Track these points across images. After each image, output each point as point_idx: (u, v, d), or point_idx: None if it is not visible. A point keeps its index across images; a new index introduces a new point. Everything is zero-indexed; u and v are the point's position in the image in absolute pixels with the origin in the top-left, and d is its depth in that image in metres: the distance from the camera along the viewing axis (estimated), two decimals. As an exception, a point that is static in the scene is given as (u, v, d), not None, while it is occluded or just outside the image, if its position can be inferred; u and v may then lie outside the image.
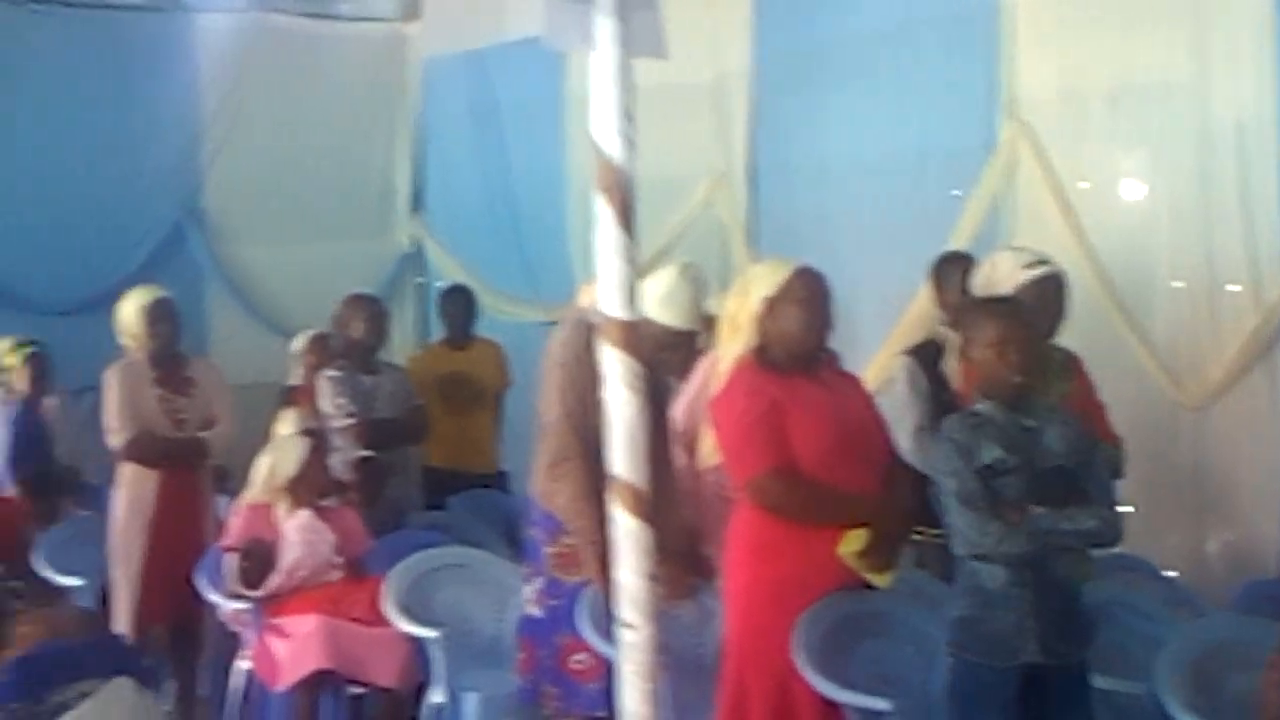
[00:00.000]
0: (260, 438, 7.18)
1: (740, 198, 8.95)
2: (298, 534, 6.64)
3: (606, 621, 4.71)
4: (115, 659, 3.63)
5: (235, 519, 6.80)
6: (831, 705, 4.97)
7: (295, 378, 9.51)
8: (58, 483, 8.80)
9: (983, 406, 4.76)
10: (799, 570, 5.00)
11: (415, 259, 11.73)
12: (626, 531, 3.99)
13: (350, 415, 7.60)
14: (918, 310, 7.12)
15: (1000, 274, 5.83)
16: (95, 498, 8.51)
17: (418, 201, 11.77)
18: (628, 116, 3.91)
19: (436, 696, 6.34)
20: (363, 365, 7.83)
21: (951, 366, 5.52)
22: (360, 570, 6.78)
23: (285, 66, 11.26)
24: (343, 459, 7.39)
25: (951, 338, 5.80)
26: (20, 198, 10.34)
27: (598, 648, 5.42)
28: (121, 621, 7.28)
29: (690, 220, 9.10)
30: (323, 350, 9.20)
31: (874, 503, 5.05)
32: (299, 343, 9.58)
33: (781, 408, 5.02)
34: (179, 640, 7.59)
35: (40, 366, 8.97)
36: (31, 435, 8.78)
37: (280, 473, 6.76)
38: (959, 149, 7.67)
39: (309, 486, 6.78)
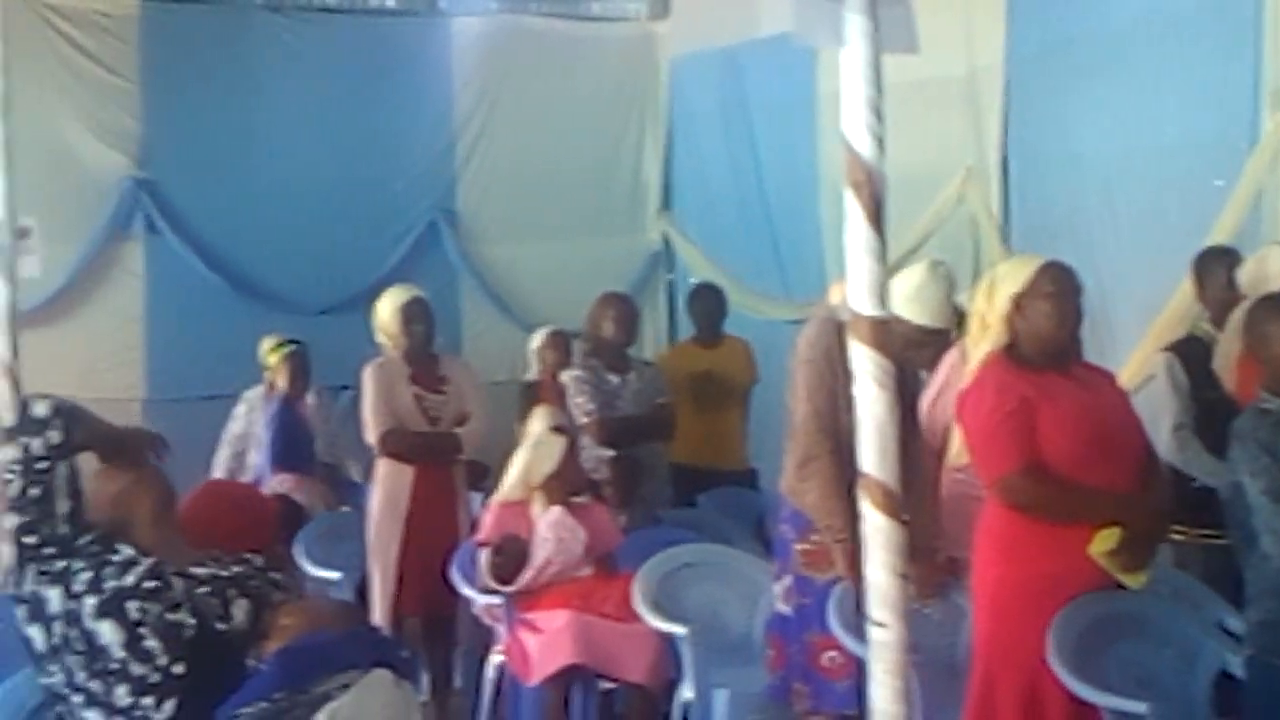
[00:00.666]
0: (511, 434, 7.27)
1: (993, 193, 8.82)
2: (550, 531, 6.71)
3: (857, 619, 4.69)
4: (374, 651, 3.69)
5: (490, 514, 6.89)
6: (1082, 706, 4.89)
7: (534, 374, 9.66)
8: (317, 478, 9.00)
9: (1274, 404, 4.65)
10: (1050, 569, 4.92)
11: (665, 257, 11.77)
12: (876, 529, 3.96)
13: (588, 414, 7.67)
14: (1178, 306, 6.97)
15: (1273, 269, 5.69)
16: (353, 493, 8.70)
17: (667, 199, 11.81)
18: (878, 113, 3.88)
19: (686, 693, 6.36)
20: (612, 363, 7.89)
21: (1221, 364, 5.39)
22: (611, 566, 6.83)
23: (536, 67, 11.37)
24: (587, 456, 7.45)
25: (1215, 334, 5.67)
26: (282, 200, 10.61)
27: (848, 645, 5.40)
28: (378, 614, 7.42)
29: (943, 216, 8.99)
30: (560, 347, 9.36)
31: (1127, 500, 4.95)
32: (536, 340, 9.74)
33: (1031, 405, 4.94)
34: (433, 633, 7.70)
35: (299, 365, 9.17)
36: (291, 432, 8.98)
37: (538, 470, 6.83)
38: (1220, 141, 7.46)
39: (564, 484, 6.84)
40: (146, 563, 3.73)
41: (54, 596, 3.71)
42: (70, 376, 9.84)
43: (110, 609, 3.67)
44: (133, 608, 3.67)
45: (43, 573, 3.73)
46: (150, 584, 3.70)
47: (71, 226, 9.93)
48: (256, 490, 5.79)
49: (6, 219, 7.13)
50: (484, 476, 8.28)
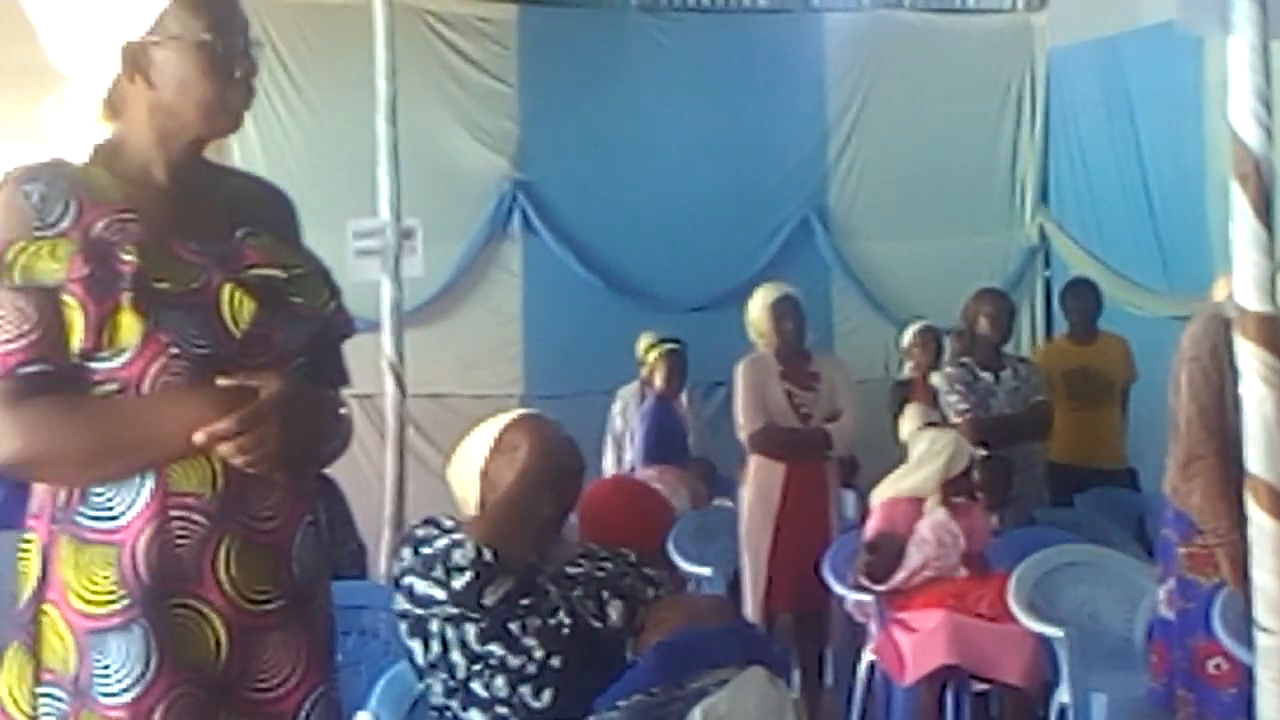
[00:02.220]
0: (882, 431, 7.21)
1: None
2: (932, 533, 6.63)
3: (1244, 625, 4.53)
4: (749, 647, 3.70)
5: (878, 510, 6.85)
6: None
7: (907, 372, 9.61)
8: (689, 474, 9.10)
9: None
10: None
11: (1041, 252, 11.55)
12: (1264, 532, 3.85)
13: (961, 412, 7.58)
14: None
15: None
16: (726, 489, 8.76)
17: (1044, 193, 11.59)
18: (1266, 103, 3.76)
19: (1063, 696, 6.23)
20: (986, 361, 7.79)
21: None
22: (984, 566, 6.74)
23: (909, 61, 11.29)
24: (963, 456, 7.37)
25: None
26: (655, 199, 10.74)
27: (1235, 653, 5.22)
28: (750, 610, 7.45)
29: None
30: (931, 344, 9.29)
31: None
32: (907, 336, 9.68)
33: None
34: (804, 630, 7.70)
35: (676, 363, 9.32)
36: (665, 428, 9.11)
37: (951, 468, 6.75)
38: None
39: (957, 485, 6.76)
40: (519, 572, 3.76)
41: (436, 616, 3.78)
42: (450, 373, 10.17)
43: (494, 631, 3.73)
44: (514, 627, 3.74)
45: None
46: (527, 600, 3.76)
47: (452, 227, 10.19)
48: (656, 492, 5.87)
49: (392, 220, 7.36)
50: (855, 472, 8.25)
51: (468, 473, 4.06)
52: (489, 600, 3.71)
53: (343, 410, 2.89)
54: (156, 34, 2.72)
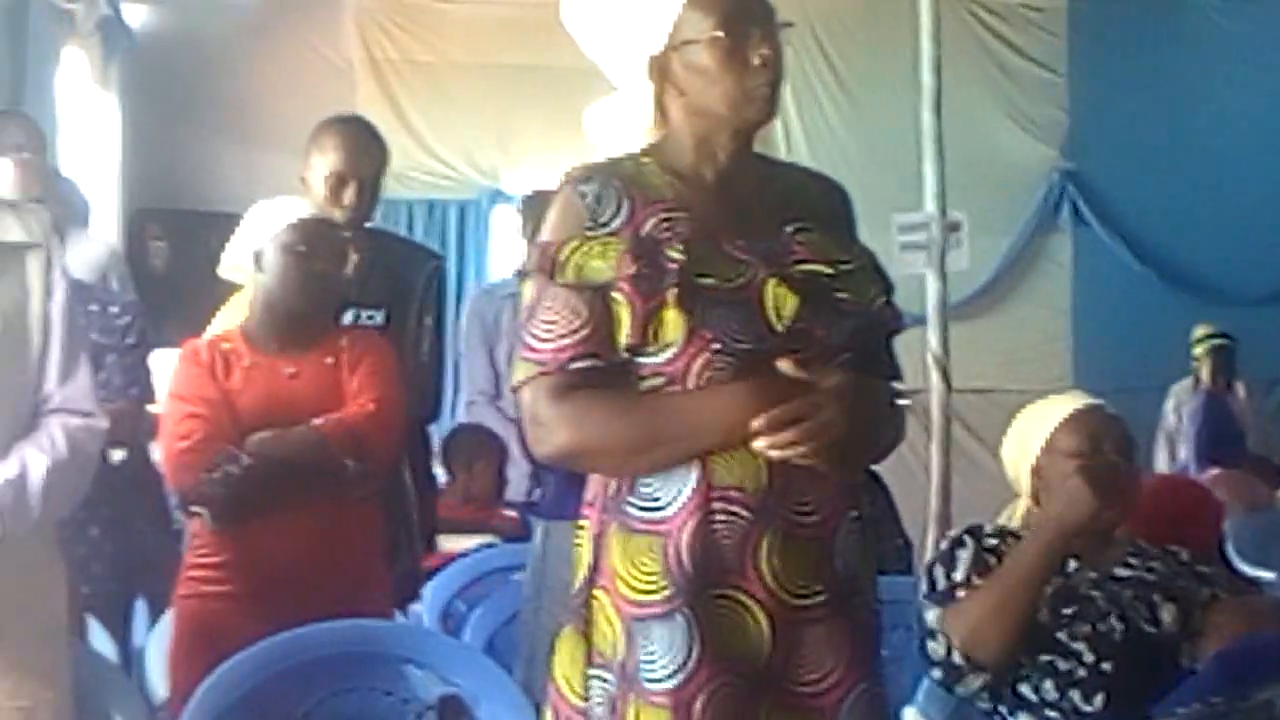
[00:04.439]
0: None
1: None
2: None
3: None
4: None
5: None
6: None
7: None
8: (1248, 473, 8.82)
9: None
10: None
11: None
12: None
13: None
14: None
15: None
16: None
17: None
18: None
19: None
20: None
21: None
22: None
23: None
24: None
25: None
26: (1214, 188, 10.48)
27: None
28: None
29: None
30: None
31: None
32: None
33: None
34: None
35: (1222, 359, 9.23)
36: (1217, 426, 8.96)
37: None
38: None
39: None
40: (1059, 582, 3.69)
41: None
42: (997, 368, 10.10)
43: (1041, 642, 3.66)
44: (1062, 635, 3.66)
45: None
46: (1069, 610, 3.68)
47: (999, 220, 10.14)
48: (1207, 490, 5.72)
49: (937, 213, 7.33)
50: None
51: (1020, 464, 3.96)
52: None
53: (899, 403, 2.89)
54: (674, 41, 2.78)
